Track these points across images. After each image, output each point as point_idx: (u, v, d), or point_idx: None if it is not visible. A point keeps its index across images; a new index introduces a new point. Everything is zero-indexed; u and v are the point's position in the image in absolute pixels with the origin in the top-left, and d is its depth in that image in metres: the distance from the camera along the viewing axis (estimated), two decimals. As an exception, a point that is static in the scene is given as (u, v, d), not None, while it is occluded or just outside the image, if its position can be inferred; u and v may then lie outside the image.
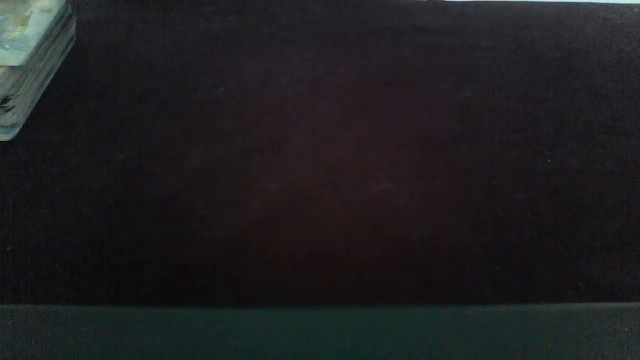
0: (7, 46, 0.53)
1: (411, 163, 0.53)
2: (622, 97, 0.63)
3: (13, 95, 0.53)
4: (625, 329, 0.38)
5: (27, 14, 0.57)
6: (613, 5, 0.82)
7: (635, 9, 0.82)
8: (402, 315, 0.39)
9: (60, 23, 0.62)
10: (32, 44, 0.55)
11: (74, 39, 0.68)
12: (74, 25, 0.67)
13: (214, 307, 0.40)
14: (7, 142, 0.53)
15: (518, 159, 0.54)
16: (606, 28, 0.77)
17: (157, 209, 0.47)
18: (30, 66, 0.55)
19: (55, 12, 0.60)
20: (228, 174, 0.51)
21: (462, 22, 0.76)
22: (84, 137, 0.55)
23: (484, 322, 0.39)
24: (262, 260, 0.44)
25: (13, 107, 0.53)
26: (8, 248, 0.44)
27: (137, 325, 0.37)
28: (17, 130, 0.54)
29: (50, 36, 0.60)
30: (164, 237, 0.45)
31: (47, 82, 0.60)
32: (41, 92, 0.59)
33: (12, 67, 0.52)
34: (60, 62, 0.64)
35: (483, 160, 0.54)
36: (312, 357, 0.37)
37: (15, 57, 0.53)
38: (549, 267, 0.44)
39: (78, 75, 0.63)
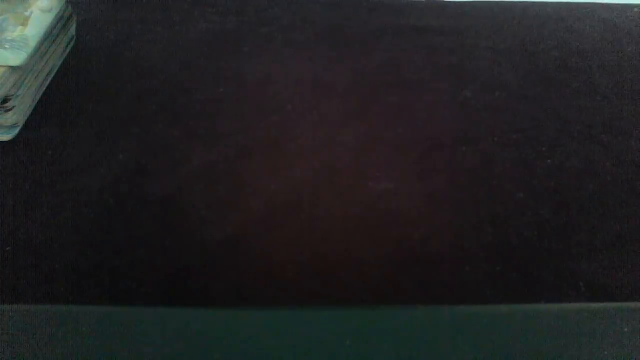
0: (7, 46, 0.53)
1: (411, 163, 0.53)
2: (622, 97, 0.63)
3: (13, 95, 0.53)
4: (625, 329, 0.38)
5: (27, 14, 0.57)
6: (613, 5, 0.82)
7: (635, 9, 0.82)
8: (402, 315, 0.39)
9: (60, 23, 0.62)
10: (32, 44, 0.55)
11: (74, 39, 0.68)
12: (74, 25, 0.67)
13: (214, 307, 0.40)
14: (7, 142, 0.53)
15: (518, 159, 0.54)
16: (606, 28, 0.77)
17: (157, 209, 0.47)
18: (30, 66, 0.55)
19: (55, 12, 0.60)
20: (228, 174, 0.51)
21: (462, 22, 0.76)
22: (84, 137, 0.55)
23: (484, 322, 0.39)
24: (262, 260, 0.44)
25: (13, 107, 0.53)
26: (8, 248, 0.44)
27: (137, 325, 0.37)
28: (17, 130, 0.54)
29: (50, 36, 0.60)
30: (164, 237, 0.45)
31: (47, 82, 0.60)
32: (41, 92, 0.59)
33: (12, 67, 0.52)
34: (60, 62, 0.64)
35: (483, 160, 0.54)
36: (312, 357, 0.37)
37: (15, 57, 0.53)
38: (549, 267, 0.44)
39: (78, 75, 0.63)
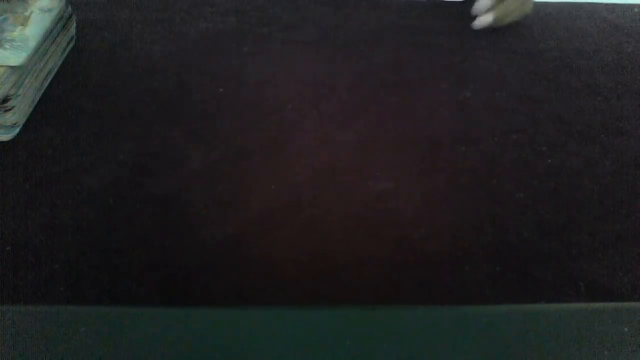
0: (7, 46, 0.53)
1: (411, 163, 0.53)
2: (622, 97, 0.63)
3: (13, 95, 0.53)
4: (625, 329, 0.38)
5: (27, 14, 0.57)
6: (613, 5, 0.82)
7: (635, 9, 0.82)
8: (402, 315, 0.39)
9: (60, 23, 0.62)
10: (32, 44, 0.55)
11: (74, 39, 0.68)
12: (74, 25, 0.67)
13: (214, 307, 0.40)
14: (7, 142, 0.53)
15: (518, 159, 0.54)
16: (606, 28, 0.77)
17: (157, 209, 0.47)
18: (30, 66, 0.56)
19: (55, 12, 0.61)
20: (228, 174, 0.51)
21: (462, 22, 0.76)
22: (84, 137, 0.55)
23: (484, 322, 0.39)
24: (262, 260, 0.44)
25: (13, 107, 0.53)
26: (8, 248, 0.44)
27: (137, 325, 0.37)
28: (17, 130, 0.54)
29: (50, 36, 0.60)
30: (164, 237, 0.45)
31: (47, 82, 0.60)
32: (41, 92, 0.59)
33: (12, 67, 0.52)
34: (60, 62, 0.64)
35: (483, 160, 0.54)
36: (312, 357, 0.37)
37: (15, 57, 0.53)
38: (549, 267, 0.44)
39: (78, 75, 0.63)
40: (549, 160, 0.54)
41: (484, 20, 0.72)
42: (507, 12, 0.72)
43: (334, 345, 0.37)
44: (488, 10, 0.73)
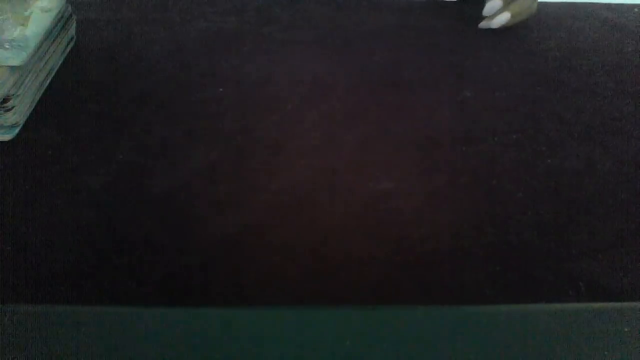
0: (7, 46, 0.53)
1: (411, 163, 0.53)
2: (622, 97, 0.63)
3: (13, 95, 0.53)
4: (625, 329, 0.38)
5: (27, 14, 0.57)
6: (613, 5, 0.82)
7: (635, 9, 0.82)
8: (402, 315, 0.39)
9: (60, 23, 0.62)
10: (32, 44, 0.55)
11: (74, 39, 0.68)
12: (74, 25, 0.67)
13: (214, 307, 0.40)
14: (7, 142, 0.53)
15: (518, 159, 0.54)
16: (606, 28, 0.77)
17: (157, 209, 0.47)
18: (30, 66, 0.56)
19: (55, 12, 0.60)
20: (228, 174, 0.51)
21: (462, 22, 0.76)
22: (84, 137, 0.55)
23: (484, 322, 0.39)
24: (262, 260, 0.44)
25: (13, 107, 0.53)
26: (8, 248, 0.44)
27: (137, 325, 0.38)
28: (17, 130, 0.54)
29: (50, 36, 0.60)
30: (164, 236, 0.45)
31: (47, 82, 0.60)
32: (41, 92, 0.59)
33: (12, 67, 0.52)
34: (60, 62, 0.64)
35: (483, 160, 0.54)
36: (312, 357, 0.37)
37: (16, 57, 0.53)
38: (549, 267, 0.44)
39: (78, 75, 0.63)
40: (549, 160, 0.54)
41: (499, 19, 0.72)
42: (521, 10, 0.72)
43: (334, 345, 0.37)
44: (500, 10, 0.73)
